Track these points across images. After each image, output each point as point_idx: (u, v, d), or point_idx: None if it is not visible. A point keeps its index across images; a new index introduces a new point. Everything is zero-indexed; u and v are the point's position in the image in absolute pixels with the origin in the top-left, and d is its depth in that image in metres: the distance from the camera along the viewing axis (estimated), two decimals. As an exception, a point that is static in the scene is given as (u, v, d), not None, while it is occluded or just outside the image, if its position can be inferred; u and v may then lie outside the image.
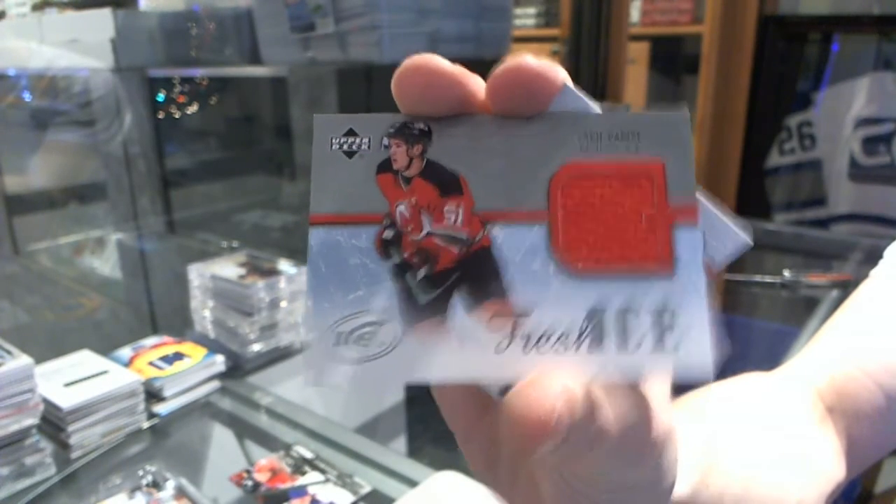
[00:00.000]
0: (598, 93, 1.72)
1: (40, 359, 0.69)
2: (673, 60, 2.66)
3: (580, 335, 0.17)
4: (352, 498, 0.60)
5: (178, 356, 0.79)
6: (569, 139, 0.19)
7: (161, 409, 0.74)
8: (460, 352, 0.17)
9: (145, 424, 0.72)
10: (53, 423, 0.67)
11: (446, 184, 0.18)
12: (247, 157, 1.55)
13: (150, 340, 0.84)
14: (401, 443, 1.10)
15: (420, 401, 1.11)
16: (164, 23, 1.53)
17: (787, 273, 1.12)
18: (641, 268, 0.17)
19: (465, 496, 0.57)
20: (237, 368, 0.82)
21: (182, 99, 1.54)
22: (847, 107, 1.66)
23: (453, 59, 0.20)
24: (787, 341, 0.87)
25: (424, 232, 0.18)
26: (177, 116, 1.56)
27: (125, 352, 0.81)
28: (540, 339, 0.17)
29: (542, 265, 0.18)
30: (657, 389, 0.20)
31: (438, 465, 0.62)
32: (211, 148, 1.60)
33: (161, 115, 1.55)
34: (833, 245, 1.40)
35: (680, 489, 0.28)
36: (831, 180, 1.71)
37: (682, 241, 0.18)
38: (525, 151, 0.19)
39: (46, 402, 0.65)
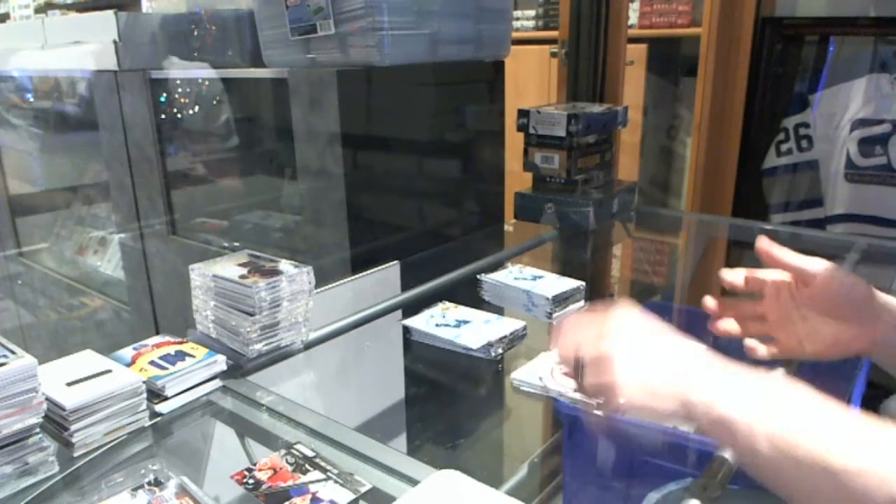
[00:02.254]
0: (596, 94, 1.72)
1: (43, 358, 0.70)
2: (671, 62, 2.67)
3: None
4: (352, 496, 0.60)
5: (180, 355, 0.80)
6: None
7: (163, 407, 0.74)
8: None
9: (147, 423, 0.72)
10: (56, 421, 0.67)
11: None
12: (248, 158, 1.56)
13: (152, 340, 0.84)
14: (401, 441, 1.11)
15: (420, 400, 1.12)
16: (167, 25, 1.54)
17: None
18: None
19: (464, 495, 0.58)
20: (238, 368, 0.83)
21: (184, 100, 1.55)
22: (843, 108, 1.67)
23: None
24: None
25: None
26: (178, 117, 1.57)
27: (127, 351, 0.81)
28: None
29: None
30: None
31: (438, 463, 0.62)
32: (212, 149, 1.60)
33: (163, 117, 1.56)
34: (829, 245, 1.41)
35: None
36: (828, 181, 1.72)
37: None
38: None
39: (49, 401, 0.66)
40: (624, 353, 0.58)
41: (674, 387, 0.55)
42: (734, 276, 0.76)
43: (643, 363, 0.57)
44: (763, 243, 0.73)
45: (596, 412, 0.60)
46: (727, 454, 0.62)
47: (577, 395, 0.80)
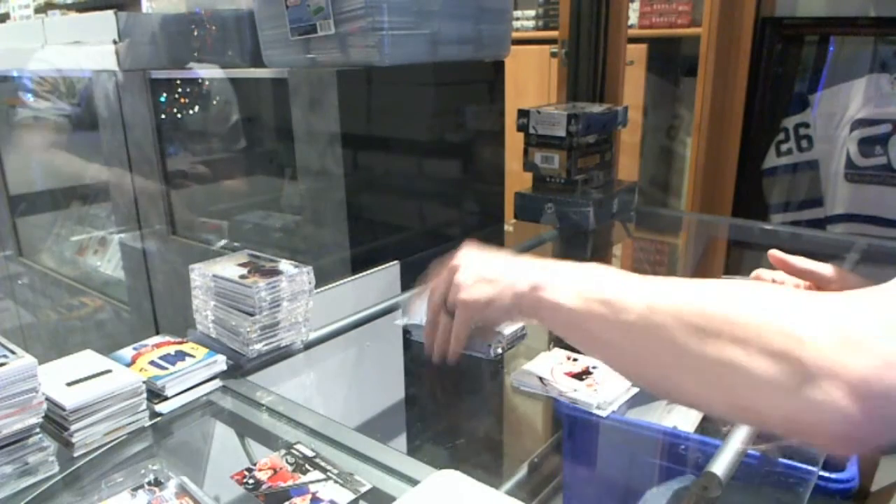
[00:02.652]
0: (596, 94, 1.72)
1: (43, 358, 0.70)
2: (671, 62, 2.67)
3: None
4: (352, 496, 0.60)
5: (180, 355, 0.80)
6: None
7: (163, 407, 0.74)
8: None
9: (147, 423, 0.72)
10: (56, 421, 0.67)
11: None
12: (248, 158, 1.56)
13: (152, 340, 0.84)
14: (401, 441, 1.11)
15: (420, 400, 1.12)
16: (167, 25, 1.54)
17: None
18: None
19: (464, 495, 0.58)
20: (238, 368, 0.83)
21: (184, 100, 1.55)
22: (843, 108, 1.67)
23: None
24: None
25: None
26: (178, 117, 1.57)
27: (127, 351, 0.81)
28: None
29: None
30: None
31: (438, 463, 0.62)
32: (212, 149, 1.61)
33: (163, 117, 1.56)
34: (829, 245, 1.41)
35: None
36: (828, 181, 1.72)
37: None
38: None
39: (49, 401, 0.66)
40: (465, 259, 0.73)
41: (506, 275, 0.67)
42: (769, 277, 0.77)
43: (481, 263, 0.71)
44: (776, 252, 0.76)
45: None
46: (726, 453, 0.62)
47: (578, 396, 0.80)
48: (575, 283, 0.58)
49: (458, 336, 0.74)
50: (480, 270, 0.70)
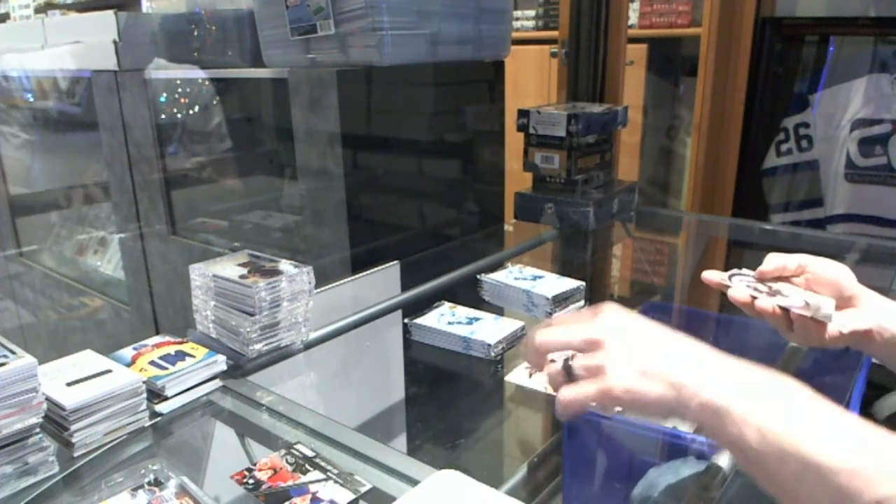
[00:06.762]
0: (596, 94, 1.72)
1: (43, 358, 0.70)
2: (671, 62, 2.67)
3: None
4: (352, 496, 0.60)
5: (180, 355, 0.80)
6: None
7: (163, 407, 0.74)
8: None
9: (147, 423, 0.72)
10: (56, 422, 0.67)
11: None
12: (248, 158, 1.56)
13: (152, 340, 0.84)
14: (401, 441, 1.11)
15: (420, 400, 1.12)
16: (167, 25, 1.54)
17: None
18: None
19: (464, 495, 0.58)
20: (238, 368, 0.83)
21: (184, 100, 1.55)
22: (843, 108, 1.67)
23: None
24: (784, 340, 0.88)
25: None
26: (178, 117, 1.57)
27: (127, 351, 0.81)
28: None
29: None
30: None
31: (438, 463, 0.62)
32: (212, 149, 1.61)
33: (163, 117, 1.56)
34: (829, 245, 1.41)
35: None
36: (828, 181, 1.72)
37: None
38: None
39: (49, 401, 0.66)
40: (615, 335, 0.56)
41: (666, 369, 0.53)
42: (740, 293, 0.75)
43: (635, 346, 0.56)
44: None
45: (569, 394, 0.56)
46: (725, 455, 0.62)
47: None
48: (753, 404, 0.48)
49: (584, 405, 0.58)
50: (635, 357, 0.55)
